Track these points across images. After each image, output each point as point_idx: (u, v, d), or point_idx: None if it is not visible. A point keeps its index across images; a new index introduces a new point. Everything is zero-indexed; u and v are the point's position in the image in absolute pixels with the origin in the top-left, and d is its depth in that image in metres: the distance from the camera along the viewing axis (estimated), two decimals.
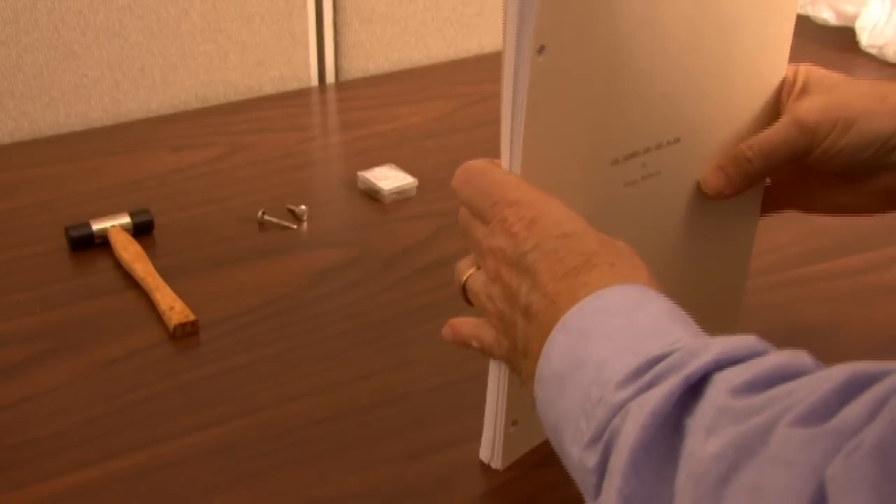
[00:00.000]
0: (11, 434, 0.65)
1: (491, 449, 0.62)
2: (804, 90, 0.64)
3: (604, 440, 0.42)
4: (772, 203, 0.69)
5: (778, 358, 0.41)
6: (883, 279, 0.84)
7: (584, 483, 0.44)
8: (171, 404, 0.68)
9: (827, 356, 0.66)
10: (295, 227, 0.91)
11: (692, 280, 0.68)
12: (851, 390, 0.35)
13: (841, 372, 0.37)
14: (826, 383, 0.36)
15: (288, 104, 1.19)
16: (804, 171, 0.65)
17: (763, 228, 0.81)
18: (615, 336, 0.45)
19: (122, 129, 1.12)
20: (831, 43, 1.34)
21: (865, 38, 1.31)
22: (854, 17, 1.33)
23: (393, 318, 0.78)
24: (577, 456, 0.44)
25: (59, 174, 1.00)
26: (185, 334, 0.75)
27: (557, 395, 0.47)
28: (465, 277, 0.57)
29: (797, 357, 0.41)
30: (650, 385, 0.42)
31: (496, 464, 0.62)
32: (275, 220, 0.91)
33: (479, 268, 0.55)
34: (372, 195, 0.96)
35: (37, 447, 0.64)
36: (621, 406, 0.42)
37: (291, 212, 0.92)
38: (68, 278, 0.83)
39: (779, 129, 0.63)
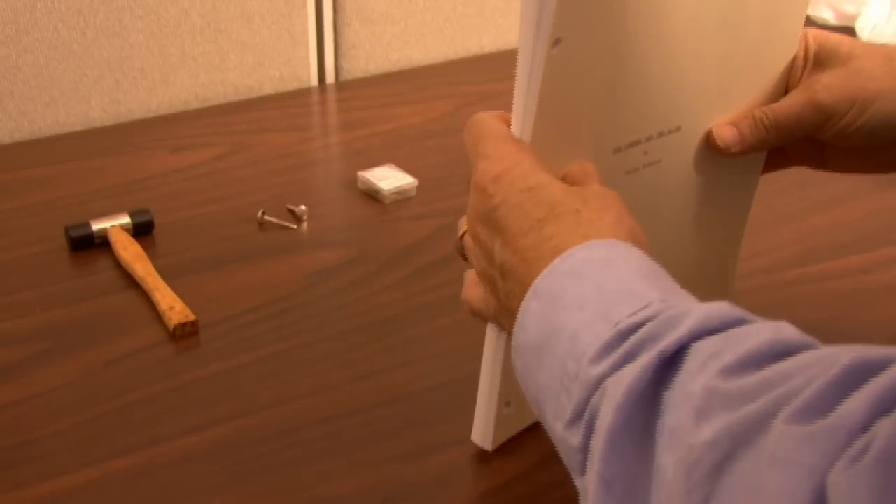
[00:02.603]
0: (11, 434, 0.65)
1: (482, 430, 0.62)
2: (818, 63, 0.63)
3: (585, 419, 0.42)
4: (783, 159, 0.68)
5: (763, 333, 0.39)
6: (883, 279, 0.84)
7: (570, 460, 0.44)
8: (171, 404, 0.68)
9: None
10: (295, 227, 0.91)
11: (686, 265, 0.68)
12: (850, 382, 0.34)
13: (837, 360, 0.36)
14: (823, 373, 0.35)
15: (288, 104, 1.19)
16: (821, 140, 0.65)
17: (763, 228, 0.81)
18: (586, 303, 0.44)
19: (122, 129, 1.12)
20: None
21: (865, 38, 1.31)
22: (854, 17, 1.33)
23: (393, 318, 0.78)
24: (561, 433, 0.44)
25: (59, 174, 1.00)
26: (185, 334, 0.75)
27: (536, 366, 0.46)
28: (460, 233, 0.57)
29: (780, 330, 0.39)
30: (625, 360, 0.41)
31: (487, 444, 0.62)
32: (275, 220, 0.91)
33: None
34: (372, 195, 0.96)
35: (37, 447, 0.64)
36: (598, 383, 0.41)
37: (291, 212, 0.92)
38: (68, 278, 0.83)
39: (794, 107, 0.62)
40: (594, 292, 0.45)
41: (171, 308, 0.76)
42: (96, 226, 0.86)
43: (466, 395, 0.68)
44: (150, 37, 1.13)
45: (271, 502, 0.60)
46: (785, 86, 0.65)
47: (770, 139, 0.63)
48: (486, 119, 0.55)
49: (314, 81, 1.26)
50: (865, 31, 1.31)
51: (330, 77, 1.27)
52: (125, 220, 0.87)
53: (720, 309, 0.41)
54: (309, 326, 0.77)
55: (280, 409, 0.68)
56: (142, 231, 0.88)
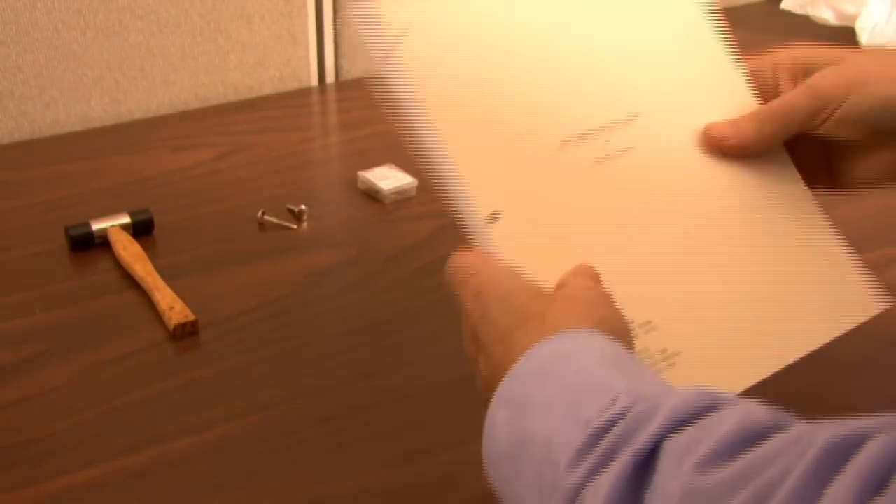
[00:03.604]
0: (11, 434, 0.65)
1: None
2: (807, 70, 0.63)
3: None
4: None
5: (732, 418, 0.39)
6: (883, 279, 0.84)
7: None
8: (171, 404, 0.68)
9: (828, 356, 0.66)
10: (295, 227, 0.91)
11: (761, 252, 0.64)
12: (829, 466, 0.34)
13: (812, 442, 0.35)
14: (800, 460, 0.34)
15: (288, 104, 1.19)
16: (826, 149, 0.64)
17: None
18: (553, 404, 0.44)
19: (122, 129, 1.12)
20: (831, 43, 1.34)
21: (865, 38, 1.31)
22: (854, 17, 1.33)
23: (393, 318, 0.78)
24: None
25: (59, 174, 1.00)
26: (185, 334, 0.75)
27: (512, 475, 0.46)
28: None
29: (749, 413, 0.39)
30: (600, 464, 0.40)
31: None
32: (275, 220, 0.91)
33: None
34: (372, 195, 0.96)
35: (37, 447, 0.64)
36: (576, 491, 0.41)
37: (291, 212, 0.92)
38: (68, 278, 0.83)
39: (790, 96, 0.62)
40: (561, 392, 0.44)
41: (171, 308, 0.76)
42: (96, 226, 0.86)
43: (466, 395, 0.68)
44: (150, 37, 1.13)
45: (271, 502, 0.60)
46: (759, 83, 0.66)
47: (767, 130, 0.62)
48: (458, 256, 0.56)
49: (314, 81, 1.26)
50: (865, 31, 1.31)
51: (330, 77, 1.27)
52: (125, 220, 0.87)
53: (687, 398, 0.41)
54: (309, 326, 0.77)
55: (280, 409, 0.68)
56: (142, 231, 0.88)
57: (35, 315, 0.78)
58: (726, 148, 0.63)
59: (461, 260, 0.55)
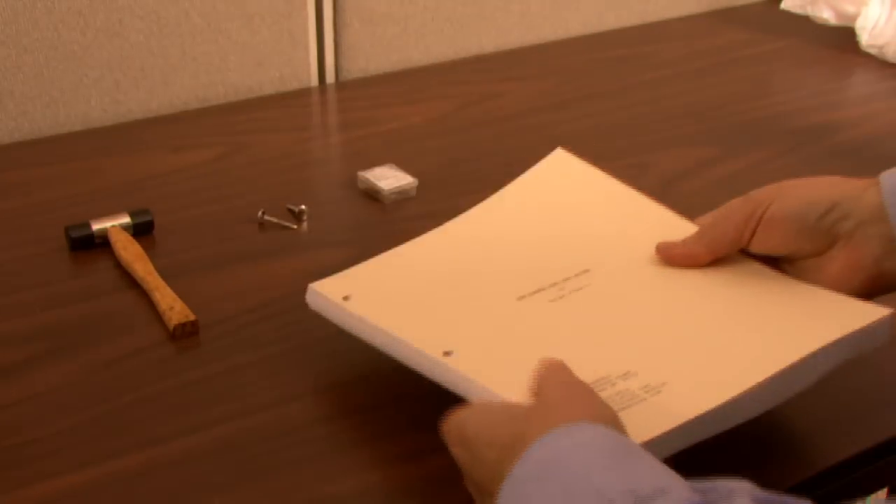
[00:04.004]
0: (11, 434, 0.65)
1: None
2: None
3: None
4: None
5: None
6: None
7: None
8: (171, 404, 0.68)
9: None
10: (295, 227, 0.91)
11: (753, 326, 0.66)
12: None
13: None
14: None
15: (288, 104, 1.19)
16: (777, 265, 0.69)
17: None
18: None
19: (122, 129, 1.12)
20: (831, 43, 1.34)
21: (865, 38, 1.31)
22: (854, 17, 1.33)
23: None
24: None
25: (59, 174, 1.00)
26: (185, 334, 0.75)
27: None
28: None
29: None
30: None
31: None
32: (275, 220, 0.91)
33: None
34: (372, 195, 0.96)
35: (37, 447, 0.64)
36: None
37: (291, 212, 0.92)
38: (68, 278, 0.83)
39: (728, 204, 0.68)
40: (560, 498, 0.46)
41: (171, 308, 0.76)
42: (96, 226, 0.86)
43: None
44: (150, 37, 1.13)
45: (271, 502, 0.60)
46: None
47: (708, 235, 0.68)
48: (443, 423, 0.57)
49: (314, 81, 1.26)
50: (865, 31, 1.31)
51: (330, 77, 1.27)
52: (125, 220, 0.87)
53: (680, 498, 0.42)
54: (309, 326, 0.77)
55: (280, 409, 0.68)
56: (142, 231, 0.88)
57: (35, 315, 0.78)
58: (676, 256, 0.69)
59: (445, 424, 0.57)
